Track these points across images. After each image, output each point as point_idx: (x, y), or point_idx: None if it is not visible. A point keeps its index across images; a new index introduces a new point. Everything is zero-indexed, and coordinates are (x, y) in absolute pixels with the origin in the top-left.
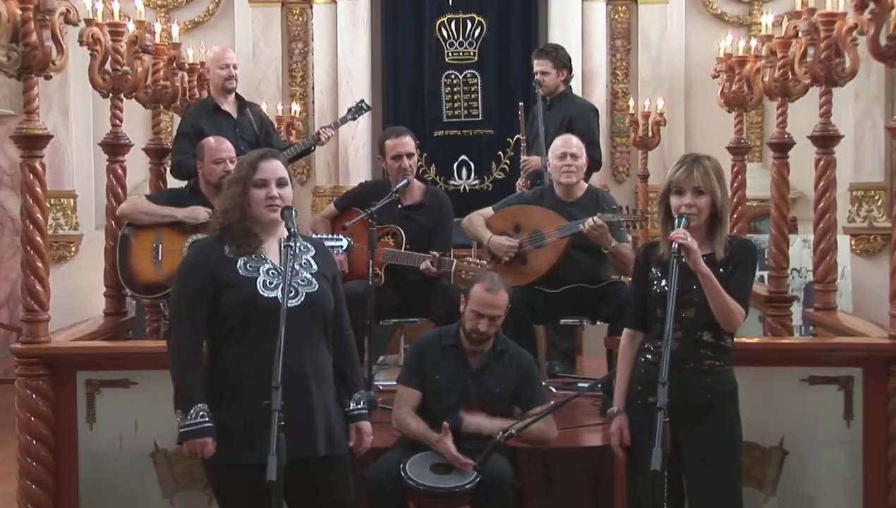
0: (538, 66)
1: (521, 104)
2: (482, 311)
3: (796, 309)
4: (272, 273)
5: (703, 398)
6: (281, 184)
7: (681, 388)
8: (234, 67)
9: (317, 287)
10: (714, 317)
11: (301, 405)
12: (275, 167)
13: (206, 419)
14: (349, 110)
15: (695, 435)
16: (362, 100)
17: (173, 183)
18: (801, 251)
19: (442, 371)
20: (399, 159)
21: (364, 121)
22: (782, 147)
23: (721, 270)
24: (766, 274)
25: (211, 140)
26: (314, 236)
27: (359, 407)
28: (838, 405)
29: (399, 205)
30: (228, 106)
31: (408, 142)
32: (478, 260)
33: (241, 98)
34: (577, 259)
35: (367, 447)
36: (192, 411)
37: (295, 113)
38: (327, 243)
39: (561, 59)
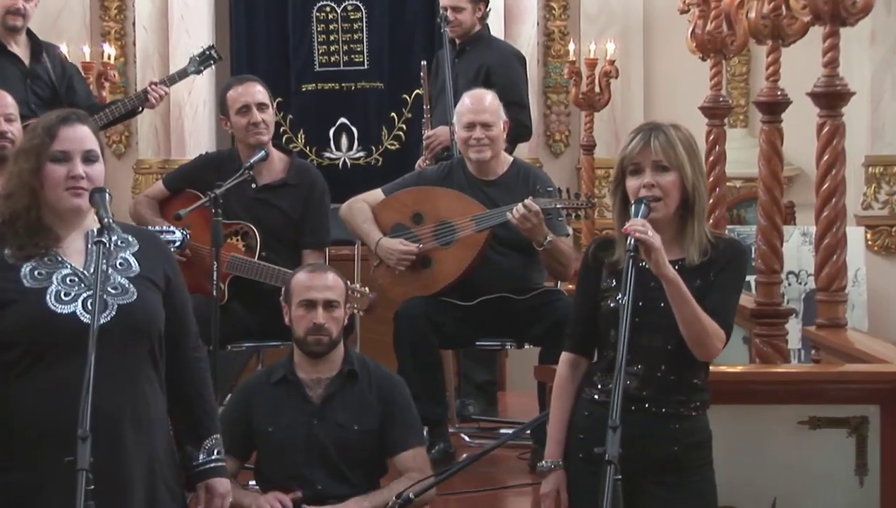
0: None
1: (423, 63)
2: (313, 297)
3: (793, 327)
4: (71, 280)
5: (668, 450)
6: (89, 159)
7: (638, 438)
8: None
9: (134, 296)
10: (687, 346)
11: (109, 460)
12: (81, 135)
13: None
14: (192, 60)
15: (656, 501)
16: (211, 47)
17: None
18: (799, 248)
19: (275, 419)
20: (248, 112)
21: (205, 72)
22: (774, 107)
23: (698, 281)
24: (752, 279)
25: None
26: (148, 229)
27: (212, 458)
28: (848, 455)
29: (253, 186)
30: (17, 48)
31: (258, 90)
32: (359, 288)
33: (34, 38)
34: (498, 260)
35: None
36: None
37: (108, 57)
38: None
39: None
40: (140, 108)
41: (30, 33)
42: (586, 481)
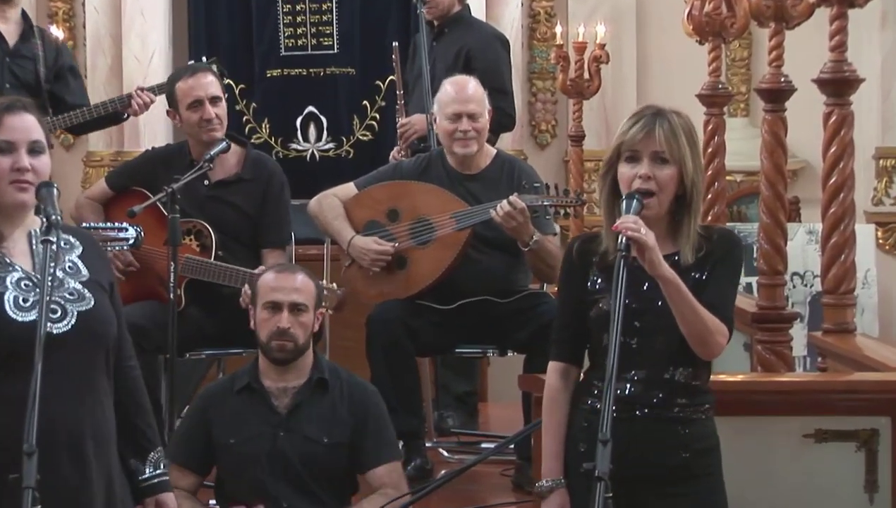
0: None
1: (395, 44)
2: (277, 299)
3: (798, 332)
4: (25, 285)
5: (678, 458)
6: (35, 150)
7: (646, 447)
8: None
9: (92, 302)
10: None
11: (74, 478)
12: (27, 125)
13: None
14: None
15: None
16: (212, 61)
17: None
18: (804, 247)
19: (238, 429)
20: (200, 107)
21: (159, 56)
22: (777, 95)
23: (694, 275)
24: (754, 280)
25: None
26: (87, 225)
27: (157, 472)
28: (857, 470)
29: (205, 182)
30: (3, 25)
31: (210, 82)
32: (327, 285)
33: (28, 20)
34: (479, 260)
35: None
36: None
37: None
38: (105, 234)
39: None
40: (125, 115)
41: (25, 15)
42: (588, 496)
